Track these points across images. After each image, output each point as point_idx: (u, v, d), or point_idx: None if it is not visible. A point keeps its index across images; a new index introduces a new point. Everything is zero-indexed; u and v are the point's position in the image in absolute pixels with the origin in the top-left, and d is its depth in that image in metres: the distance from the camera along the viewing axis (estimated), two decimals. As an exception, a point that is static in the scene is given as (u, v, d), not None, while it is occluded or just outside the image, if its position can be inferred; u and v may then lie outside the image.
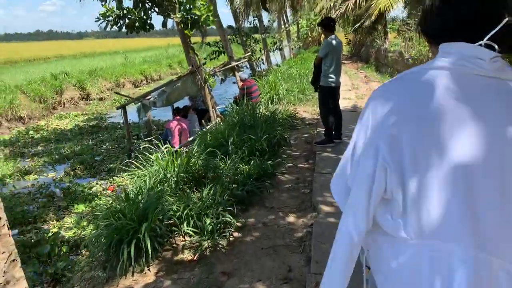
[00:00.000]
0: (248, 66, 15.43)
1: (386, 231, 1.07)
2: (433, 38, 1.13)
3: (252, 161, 5.08)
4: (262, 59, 14.25)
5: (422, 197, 0.98)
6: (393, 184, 1.02)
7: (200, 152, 5.16)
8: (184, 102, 11.07)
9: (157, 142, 5.49)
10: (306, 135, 7.23)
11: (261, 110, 8.01)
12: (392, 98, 1.05)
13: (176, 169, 4.46)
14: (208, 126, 8.37)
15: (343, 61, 25.07)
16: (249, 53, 13.80)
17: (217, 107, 9.24)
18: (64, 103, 16.65)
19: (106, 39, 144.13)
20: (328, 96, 5.98)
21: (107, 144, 10.42)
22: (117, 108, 9.74)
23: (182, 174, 4.44)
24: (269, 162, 5.18)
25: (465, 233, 0.95)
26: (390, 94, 1.08)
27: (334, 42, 5.77)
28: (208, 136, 6.01)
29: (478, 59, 0.98)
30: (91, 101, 17.74)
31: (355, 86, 12.69)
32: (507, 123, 0.96)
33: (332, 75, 5.83)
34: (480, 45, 0.99)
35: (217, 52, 13.52)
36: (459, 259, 0.96)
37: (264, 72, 14.54)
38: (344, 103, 9.56)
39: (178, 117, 9.41)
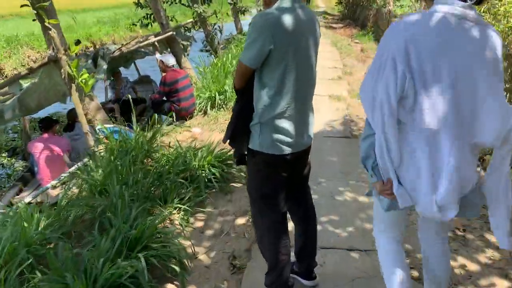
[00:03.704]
0: (204, 40, 11.19)
1: (401, 120, 1.55)
2: None
3: None
4: (218, 26, 10.04)
5: (426, 98, 1.49)
6: (409, 86, 1.48)
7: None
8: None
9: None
10: (241, 220, 3.42)
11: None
12: (410, 29, 1.49)
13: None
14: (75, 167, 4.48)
15: (332, 25, 19.84)
16: (195, 17, 9.60)
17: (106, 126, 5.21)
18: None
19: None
20: (272, 187, 2.14)
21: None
22: None
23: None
24: None
25: (452, 126, 1.50)
26: (408, 26, 1.51)
27: (287, 19, 1.86)
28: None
29: (463, 8, 1.49)
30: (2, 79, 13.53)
31: (347, 69, 8.71)
32: (476, 49, 1.48)
33: (284, 124, 1.98)
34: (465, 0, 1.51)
35: (150, 16, 9.31)
36: (446, 138, 1.51)
37: (222, 47, 10.34)
38: (327, 116, 5.65)
39: (46, 135, 5.47)
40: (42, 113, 7.40)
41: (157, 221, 2.88)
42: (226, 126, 2.12)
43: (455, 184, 1.53)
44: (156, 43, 6.95)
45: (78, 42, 5.18)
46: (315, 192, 3.61)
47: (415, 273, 2.61)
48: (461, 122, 1.50)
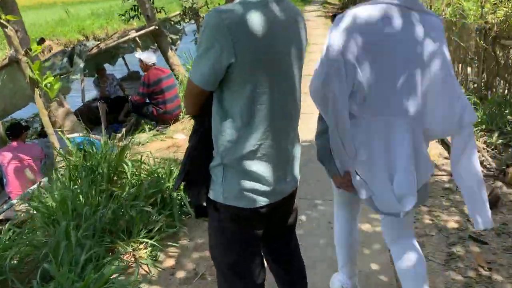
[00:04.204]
0: (196, 31, 10.56)
1: (352, 113, 1.53)
2: None
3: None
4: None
5: (376, 89, 1.49)
6: (359, 79, 1.47)
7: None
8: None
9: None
10: None
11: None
12: (355, 22, 1.47)
13: None
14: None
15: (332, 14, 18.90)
16: (184, 10, 8.98)
17: (74, 135, 4.60)
18: None
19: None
20: (241, 251, 1.54)
21: None
22: None
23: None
24: None
25: (404, 115, 1.51)
26: (353, 19, 1.48)
27: (254, 19, 1.27)
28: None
29: None
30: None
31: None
32: (419, 38, 1.48)
33: (257, 166, 1.39)
34: None
35: (137, 8, 8.66)
36: (399, 126, 1.51)
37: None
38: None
39: (15, 143, 4.89)
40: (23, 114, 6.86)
41: (113, 266, 2.32)
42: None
43: (412, 173, 1.54)
44: (137, 38, 6.33)
45: (41, 41, 4.57)
46: (310, 220, 3.05)
47: None
48: (413, 110, 1.52)
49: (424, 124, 1.55)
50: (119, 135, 6.38)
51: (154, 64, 5.46)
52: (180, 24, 9.57)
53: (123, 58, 9.40)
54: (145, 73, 5.49)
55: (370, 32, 1.46)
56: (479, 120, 4.62)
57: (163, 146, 4.72)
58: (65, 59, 5.61)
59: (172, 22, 8.43)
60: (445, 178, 3.61)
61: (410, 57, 1.48)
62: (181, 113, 5.67)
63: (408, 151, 1.52)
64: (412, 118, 1.52)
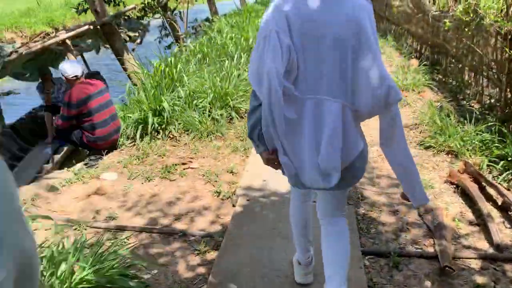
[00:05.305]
0: (166, 30, 9.16)
1: (285, 91, 1.55)
2: None
3: None
4: (179, 12, 7.99)
5: (307, 69, 1.57)
6: (293, 57, 1.54)
7: None
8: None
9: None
10: None
11: None
12: (288, 2, 1.54)
13: None
14: None
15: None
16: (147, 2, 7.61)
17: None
18: None
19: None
20: None
21: None
22: None
23: None
24: None
25: (334, 93, 1.57)
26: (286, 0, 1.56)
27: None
28: None
29: None
30: None
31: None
32: (347, 17, 1.51)
33: None
34: None
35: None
36: (328, 106, 1.57)
37: (184, 36, 8.27)
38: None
39: None
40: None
41: None
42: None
43: (336, 148, 1.58)
44: (68, 41, 4.99)
45: None
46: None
47: None
48: (342, 91, 1.58)
49: (353, 104, 1.60)
50: (49, 166, 5.10)
51: (76, 76, 4.14)
52: (143, 19, 8.24)
53: (82, 56, 8.09)
54: (68, 90, 4.19)
55: (301, 12, 1.53)
56: (502, 153, 3.45)
57: (82, 193, 3.46)
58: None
59: (127, 17, 7.07)
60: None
61: (339, 37, 1.53)
62: (118, 139, 4.38)
63: (336, 130, 1.57)
64: (341, 98, 1.58)
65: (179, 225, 2.94)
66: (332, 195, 1.85)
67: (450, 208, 3.01)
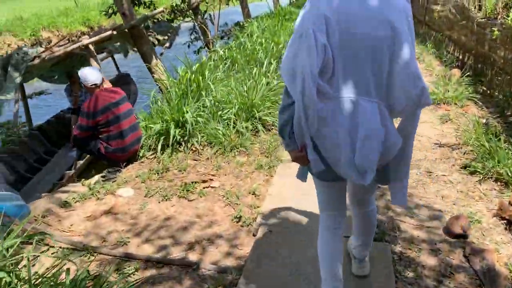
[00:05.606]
0: (197, 34, 8.97)
1: (319, 90, 1.53)
2: None
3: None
4: (210, 15, 7.79)
5: (343, 67, 1.53)
6: (329, 56, 1.50)
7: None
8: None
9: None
10: None
11: None
12: (326, 2, 1.51)
13: None
14: None
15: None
16: (176, 5, 7.44)
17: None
18: None
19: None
20: None
21: None
22: None
23: None
24: None
25: (370, 92, 1.55)
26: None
27: None
28: None
29: None
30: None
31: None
32: (384, 18, 1.50)
33: None
34: None
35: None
36: (364, 105, 1.55)
37: (214, 41, 8.05)
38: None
39: None
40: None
41: None
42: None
43: (374, 149, 1.57)
44: (91, 46, 4.85)
45: None
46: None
47: None
48: (379, 91, 1.56)
49: (388, 103, 1.59)
50: (71, 172, 4.97)
51: (96, 85, 3.97)
52: (173, 22, 8.08)
53: (113, 58, 8.02)
54: (89, 96, 4.03)
55: (338, 12, 1.49)
56: None
57: (96, 210, 3.27)
58: (-3, 71, 4.23)
59: (157, 20, 6.91)
60: None
61: (376, 37, 1.50)
62: (139, 150, 4.19)
63: (373, 131, 1.56)
64: (377, 98, 1.57)
65: (192, 255, 2.69)
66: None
67: (502, 250, 2.63)
